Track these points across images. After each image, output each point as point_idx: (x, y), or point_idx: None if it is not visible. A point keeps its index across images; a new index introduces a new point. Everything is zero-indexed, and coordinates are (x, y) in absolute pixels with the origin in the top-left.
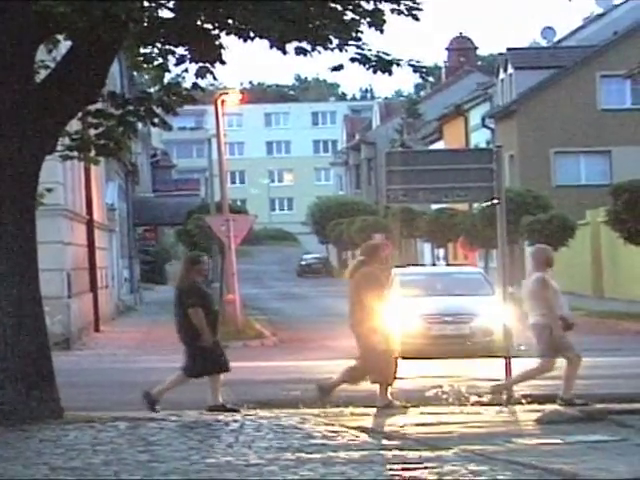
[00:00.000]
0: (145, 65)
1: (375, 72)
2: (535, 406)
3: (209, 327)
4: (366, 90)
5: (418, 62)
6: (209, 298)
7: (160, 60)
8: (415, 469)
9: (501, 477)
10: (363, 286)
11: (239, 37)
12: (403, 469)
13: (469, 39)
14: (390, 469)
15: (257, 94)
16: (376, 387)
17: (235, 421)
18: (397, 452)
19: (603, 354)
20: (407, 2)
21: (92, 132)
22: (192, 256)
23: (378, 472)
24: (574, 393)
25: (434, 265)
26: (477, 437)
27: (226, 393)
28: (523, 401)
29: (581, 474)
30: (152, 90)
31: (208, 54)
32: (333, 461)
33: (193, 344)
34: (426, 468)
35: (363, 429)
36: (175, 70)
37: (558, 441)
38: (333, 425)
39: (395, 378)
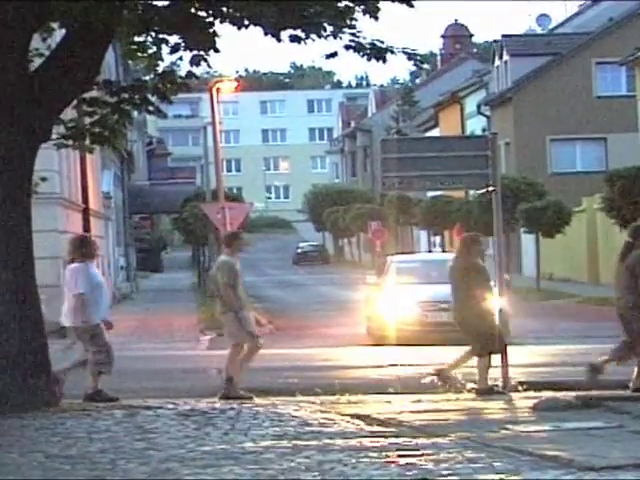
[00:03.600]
0: (139, 53)
1: (369, 59)
2: (531, 393)
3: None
4: (362, 78)
5: (412, 49)
6: (489, 278)
7: (154, 48)
8: (411, 456)
9: (497, 464)
10: (633, 270)
11: (233, 25)
12: (399, 456)
13: (464, 26)
14: (386, 456)
15: (252, 82)
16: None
17: (232, 409)
18: (393, 439)
19: (598, 341)
20: None
21: (87, 120)
22: (472, 236)
23: (374, 459)
24: None
25: (430, 252)
26: (473, 424)
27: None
28: (519, 388)
29: (577, 461)
30: (147, 78)
31: (202, 42)
32: (329, 448)
33: (474, 323)
34: (422, 455)
35: (359, 416)
36: (170, 58)
37: (554, 428)
38: (329, 412)
39: None
